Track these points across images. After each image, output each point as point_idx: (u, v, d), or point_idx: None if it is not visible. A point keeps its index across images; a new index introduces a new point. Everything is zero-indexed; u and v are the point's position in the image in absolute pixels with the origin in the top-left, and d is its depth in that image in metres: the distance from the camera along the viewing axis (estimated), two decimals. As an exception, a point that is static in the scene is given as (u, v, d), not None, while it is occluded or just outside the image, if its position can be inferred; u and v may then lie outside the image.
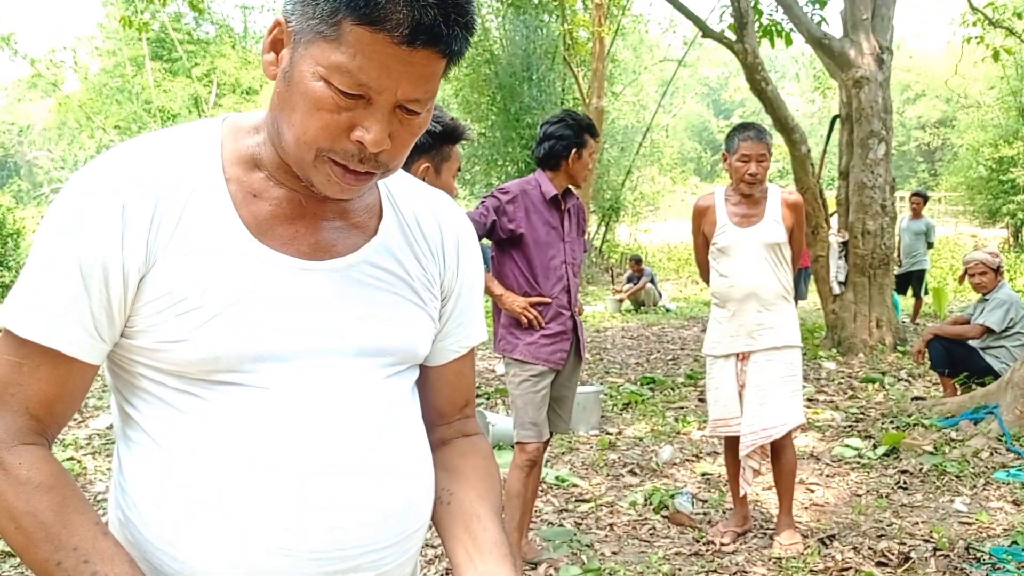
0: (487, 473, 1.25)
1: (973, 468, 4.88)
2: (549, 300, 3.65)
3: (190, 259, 1.02)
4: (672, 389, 7.45)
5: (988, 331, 6.18)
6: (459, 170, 3.01)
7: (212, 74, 24.13)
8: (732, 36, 9.20)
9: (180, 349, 1.02)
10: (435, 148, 2.73)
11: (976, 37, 12.69)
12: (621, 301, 14.22)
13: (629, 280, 14.74)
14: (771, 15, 10.90)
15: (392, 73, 0.95)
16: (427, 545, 3.82)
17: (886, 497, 4.50)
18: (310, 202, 1.09)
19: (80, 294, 0.99)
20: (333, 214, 1.11)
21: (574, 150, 3.63)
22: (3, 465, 1.00)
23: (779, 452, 3.94)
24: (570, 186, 3.73)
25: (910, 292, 11.16)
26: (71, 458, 5.23)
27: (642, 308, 14.13)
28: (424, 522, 1.18)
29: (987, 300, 6.27)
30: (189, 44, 24.80)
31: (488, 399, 7.04)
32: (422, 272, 1.18)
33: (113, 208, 1.00)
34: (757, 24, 9.74)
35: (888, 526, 4.09)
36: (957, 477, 4.76)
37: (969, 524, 4.10)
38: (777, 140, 9.34)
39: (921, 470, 4.88)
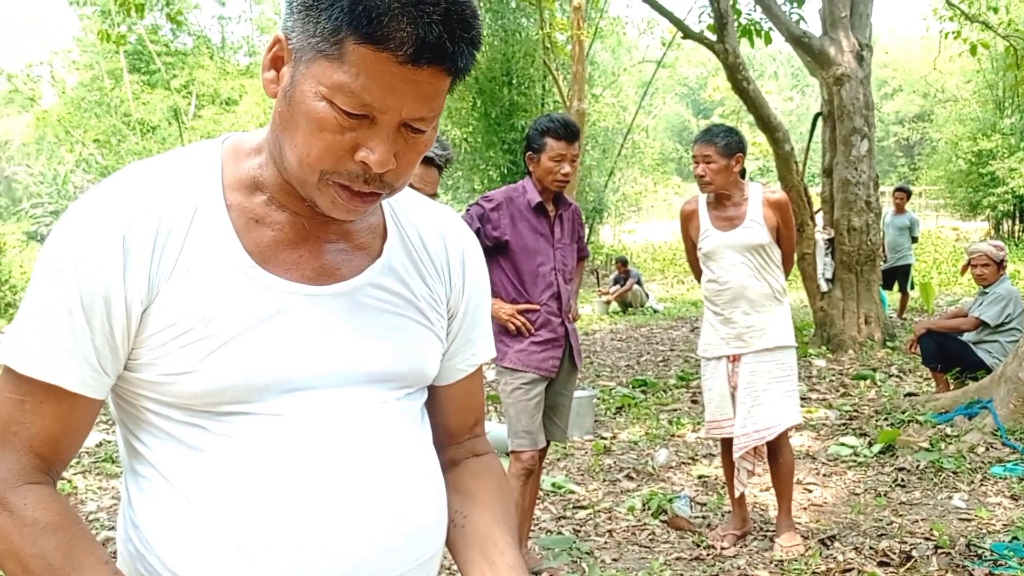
0: (500, 494, 1.22)
1: (970, 464, 4.88)
2: (537, 307, 3.61)
3: (193, 289, 0.99)
4: (664, 391, 7.43)
5: (982, 324, 6.18)
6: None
7: (191, 85, 23.98)
8: (712, 36, 9.21)
9: (186, 381, 0.99)
10: None
11: (953, 32, 12.79)
12: (608, 303, 14.23)
13: (616, 282, 14.75)
14: (750, 15, 10.93)
15: (397, 92, 0.93)
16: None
17: (884, 495, 4.49)
18: (313, 224, 1.06)
19: (82, 329, 0.97)
20: (336, 236, 1.09)
21: (529, 153, 3.61)
22: (8, 506, 0.97)
23: (776, 453, 3.91)
24: (563, 193, 3.69)
25: (896, 287, 11.19)
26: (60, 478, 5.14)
27: (629, 309, 14.14)
28: (439, 546, 1.15)
29: (986, 293, 6.27)
30: (167, 56, 24.65)
31: (480, 406, 6.99)
32: (428, 292, 1.15)
33: (113, 239, 0.96)
34: (736, 24, 9.75)
35: (888, 525, 4.07)
36: (954, 473, 4.76)
37: (969, 520, 4.09)
38: (759, 138, 9.36)
39: (918, 467, 4.87)
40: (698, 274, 4.07)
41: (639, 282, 14.64)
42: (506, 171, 18.28)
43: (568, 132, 3.58)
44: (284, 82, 0.98)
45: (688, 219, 3.99)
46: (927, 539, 3.86)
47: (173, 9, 17.95)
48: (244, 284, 1.01)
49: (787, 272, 3.93)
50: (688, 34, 9.48)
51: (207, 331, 0.99)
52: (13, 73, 20.56)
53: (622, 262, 14.97)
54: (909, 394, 6.58)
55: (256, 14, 27.15)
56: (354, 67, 0.91)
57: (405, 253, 1.14)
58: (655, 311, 13.99)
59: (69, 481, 5.11)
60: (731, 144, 3.74)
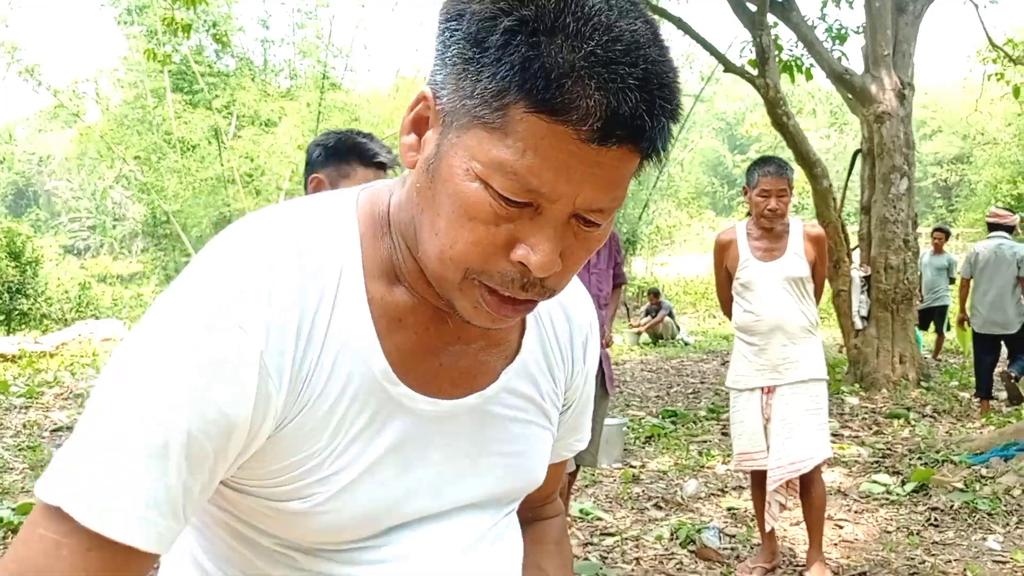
0: (562, 564, 1.13)
1: (1005, 506, 4.79)
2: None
3: (325, 413, 0.81)
4: (694, 422, 7.39)
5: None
6: None
7: (232, 106, 24.32)
8: (753, 71, 9.23)
9: (301, 524, 0.84)
10: (330, 163, 2.27)
11: (996, 74, 12.73)
12: (639, 334, 14.19)
13: (647, 313, 14.72)
14: (791, 50, 10.96)
15: (573, 177, 0.71)
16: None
17: (917, 534, 4.42)
18: (456, 321, 0.86)
19: (177, 467, 0.73)
20: (477, 334, 0.90)
21: None
22: None
23: (808, 486, 3.87)
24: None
25: (932, 328, 11.08)
26: None
27: (660, 341, 14.10)
28: None
29: None
30: (210, 76, 25.06)
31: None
32: (552, 387, 0.99)
33: (249, 360, 0.75)
34: (778, 59, 9.77)
35: (920, 564, 4.01)
36: (989, 515, 4.68)
37: (1004, 563, 4.02)
38: (798, 174, 9.34)
39: (952, 507, 4.80)
40: (726, 306, 4.04)
41: (671, 314, 14.60)
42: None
43: None
44: (427, 150, 0.77)
45: (724, 248, 3.97)
46: (961, 580, 3.80)
47: (219, 30, 18.26)
48: (381, 405, 0.84)
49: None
50: (729, 67, 9.51)
51: (334, 467, 0.82)
52: (59, 89, 20.99)
53: (654, 294, 14.96)
54: (946, 433, 6.49)
55: (299, 38, 27.50)
56: (520, 141, 0.70)
57: (539, 344, 0.97)
58: (686, 344, 13.94)
59: None
60: (792, 176, 3.77)
